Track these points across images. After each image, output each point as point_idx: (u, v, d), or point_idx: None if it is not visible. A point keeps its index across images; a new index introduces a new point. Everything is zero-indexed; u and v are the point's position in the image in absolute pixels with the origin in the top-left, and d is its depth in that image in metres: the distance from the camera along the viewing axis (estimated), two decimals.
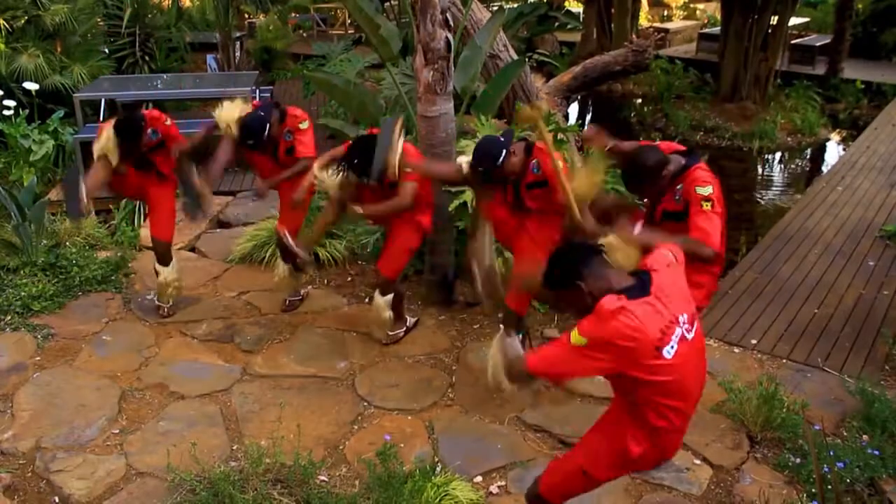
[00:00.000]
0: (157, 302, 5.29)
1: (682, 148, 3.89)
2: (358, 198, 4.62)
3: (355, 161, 4.46)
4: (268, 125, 4.77)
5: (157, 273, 5.20)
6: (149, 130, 4.88)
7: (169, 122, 4.98)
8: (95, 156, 4.83)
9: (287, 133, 4.94)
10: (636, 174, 3.70)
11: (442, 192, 5.13)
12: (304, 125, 4.95)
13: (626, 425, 2.71)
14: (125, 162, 4.92)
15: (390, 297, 4.77)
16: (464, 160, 4.26)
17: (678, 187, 3.69)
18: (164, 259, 5.18)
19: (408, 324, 5.04)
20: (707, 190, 3.58)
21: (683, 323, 2.55)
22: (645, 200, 4.05)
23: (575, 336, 2.47)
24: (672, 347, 2.48)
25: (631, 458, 2.72)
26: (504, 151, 4.00)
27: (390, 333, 4.95)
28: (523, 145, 4.14)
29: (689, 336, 2.57)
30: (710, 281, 3.78)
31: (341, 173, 4.55)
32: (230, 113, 4.85)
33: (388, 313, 4.77)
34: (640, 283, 2.53)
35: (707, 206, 3.55)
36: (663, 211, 3.73)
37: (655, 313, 2.47)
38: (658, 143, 3.98)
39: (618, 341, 2.42)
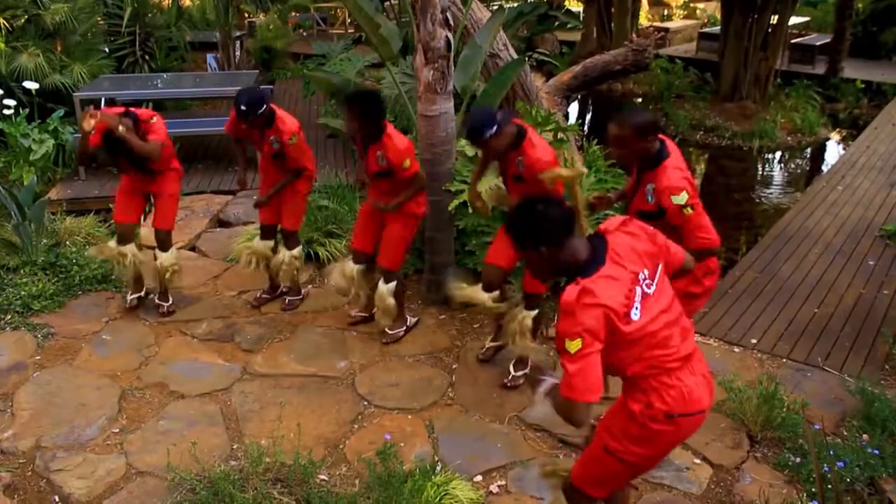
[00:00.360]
0: (157, 301, 5.29)
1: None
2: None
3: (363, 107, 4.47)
4: (265, 105, 4.75)
5: (155, 258, 5.21)
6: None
7: (154, 119, 4.89)
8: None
9: (274, 141, 4.91)
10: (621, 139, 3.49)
11: (442, 191, 5.14)
12: (293, 140, 4.90)
13: (626, 393, 2.71)
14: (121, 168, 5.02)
15: (393, 284, 4.78)
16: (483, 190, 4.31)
17: (648, 187, 3.54)
18: (165, 246, 5.21)
19: (408, 323, 5.05)
20: (683, 198, 3.43)
21: (644, 279, 2.57)
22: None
23: (569, 345, 2.46)
24: (636, 309, 2.52)
25: (636, 418, 2.64)
26: (494, 127, 3.99)
27: (390, 332, 4.95)
28: (514, 131, 4.08)
29: (650, 290, 2.58)
30: (710, 281, 3.74)
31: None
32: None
33: (391, 300, 4.77)
34: (596, 254, 2.56)
35: (689, 210, 3.44)
36: (637, 211, 3.58)
37: (614, 282, 2.50)
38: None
39: (596, 318, 2.44)
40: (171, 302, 5.29)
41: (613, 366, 2.63)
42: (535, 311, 4.36)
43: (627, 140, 3.49)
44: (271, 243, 5.28)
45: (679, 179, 3.46)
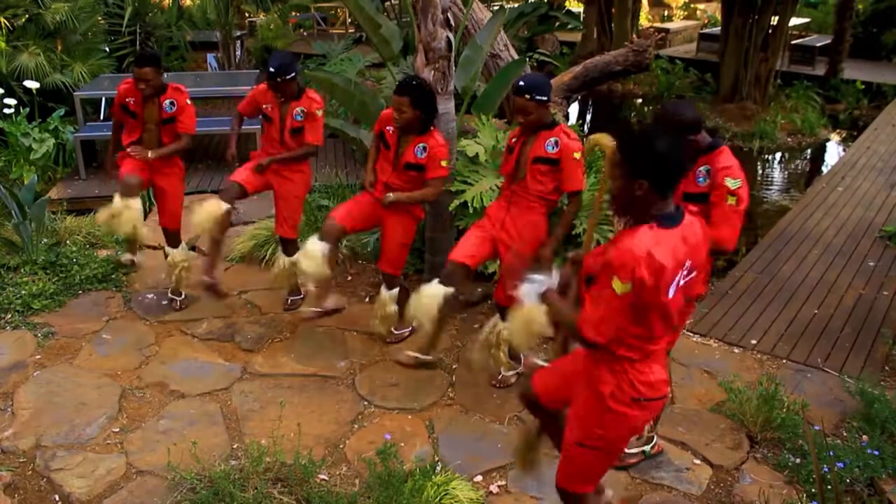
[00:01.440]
0: (170, 294, 5.34)
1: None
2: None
3: (420, 97, 4.36)
4: (294, 72, 4.76)
5: (166, 255, 5.30)
6: (166, 101, 4.96)
7: (189, 101, 5.04)
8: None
9: (300, 112, 4.85)
10: (670, 125, 3.34)
11: (442, 191, 5.13)
12: (320, 112, 4.89)
13: (592, 372, 2.70)
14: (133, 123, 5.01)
15: (396, 291, 4.77)
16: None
17: (702, 168, 3.44)
18: (174, 243, 5.29)
19: (413, 324, 5.02)
20: (737, 183, 3.37)
21: (684, 271, 2.56)
22: None
23: (616, 283, 2.42)
24: (672, 288, 2.51)
25: (604, 400, 2.65)
26: (546, 95, 3.97)
27: (395, 332, 4.95)
28: (548, 111, 4.05)
29: (681, 282, 2.57)
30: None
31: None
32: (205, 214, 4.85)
33: (393, 307, 4.76)
34: (674, 215, 2.52)
35: (732, 200, 3.36)
36: (683, 193, 3.44)
37: (675, 247, 2.48)
38: None
39: (654, 277, 2.41)
40: (183, 297, 5.34)
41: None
42: None
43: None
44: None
45: (739, 168, 3.44)
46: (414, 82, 4.39)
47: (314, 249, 4.50)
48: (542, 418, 3.19)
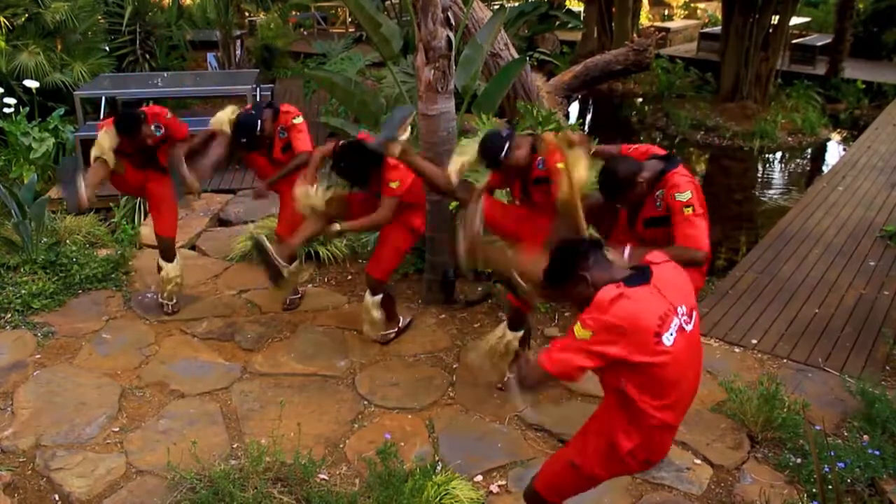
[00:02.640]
0: (160, 299, 5.29)
1: (662, 152, 3.82)
2: (346, 210, 4.62)
3: (344, 165, 4.44)
4: (259, 123, 4.81)
5: (159, 268, 5.21)
6: (152, 126, 4.90)
7: (170, 115, 4.99)
8: (92, 157, 4.84)
9: (282, 130, 4.96)
10: (609, 184, 3.66)
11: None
12: (298, 120, 4.94)
13: (618, 420, 2.71)
14: (124, 160, 4.94)
15: (379, 297, 4.76)
16: (453, 170, 4.21)
17: (658, 193, 3.65)
18: (168, 255, 5.20)
19: (400, 324, 5.01)
20: (686, 196, 3.54)
21: (682, 314, 2.58)
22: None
23: (578, 330, 2.49)
24: (671, 335, 2.52)
25: (620, 454, 2.71)
26: (507, 145, 3.99)
27: (382, 333, 4.95)
28: (529, 140, 4.12)
29: (688, 328, 2.60)
30: (699, 279, 3.77)
31: (329, 188, 4.55)
32: (223, 115, 4.90)
33: (377, 313, 4.76)
34: (641, 274, 2.58)
35: (689, 211, 3.53)
36: (644, 218, 3.70)
37: (654, 299, 2.52)
38: (637, 146, 3.91)
39: (620, 324, 2.45)
40: (174, 301, 5.29)
41: (629, 388, 2.62)
42: (521, 333, 4.33)
43: (619, 199, 3.76)
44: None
45: (686, 182, 3.58)
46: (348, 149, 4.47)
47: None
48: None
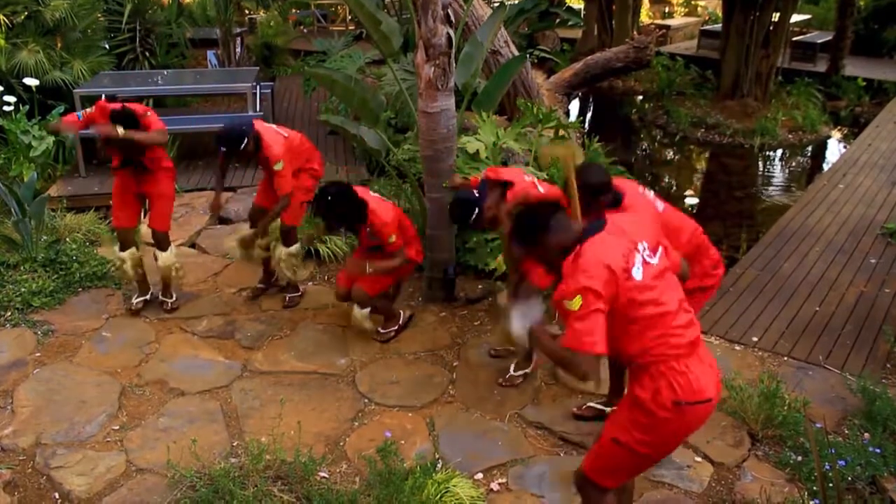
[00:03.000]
0: (160, 297, 5.29)
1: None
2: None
3: (326, 211, 4.55)
4: (245, 140, 4.85)
5: (156, 258, 5.22)
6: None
7: (150, 113, 4.91)
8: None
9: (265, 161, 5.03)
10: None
11: (443, 188, 5.13)
12: (279, 167, 4.94)
13: (633, 381, 2.73)
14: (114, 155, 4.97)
15: (367, 310, 4.82)
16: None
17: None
18: (163, 246, 5.22)
19: (400, 321, 5.03)
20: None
21: (644, 250, 2.66)
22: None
23: (569, 304, 2.54)
24: (638, 269, 2.60)
25: (644, 405, 2.64)
26: (476, 209, 4.14)
27: (382, 331, 4.95)
28: (498, 193, 4.20)
29: (652, 261, 2.66)
30: (721, 272, 3.85)
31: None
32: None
33: (368, 324, 4.84)
34: (591, 227, 2.67)
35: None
36: None
37: (611, 240, 2.61)
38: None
39: (595, 275, 2.52)
40: (174, 298, 5.30)
41: (622, 345, 2.65)
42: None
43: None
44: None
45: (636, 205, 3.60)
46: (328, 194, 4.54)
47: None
48: None
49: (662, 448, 2.79)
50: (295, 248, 5.26)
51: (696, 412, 2.66)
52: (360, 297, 4.77)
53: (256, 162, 5.12)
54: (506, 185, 4.20)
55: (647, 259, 2.64)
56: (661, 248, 2.74)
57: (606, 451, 2.80)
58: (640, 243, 2.65)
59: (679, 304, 2.69)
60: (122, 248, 5.16)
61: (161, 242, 5.21)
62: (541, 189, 4.16)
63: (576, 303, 2.51)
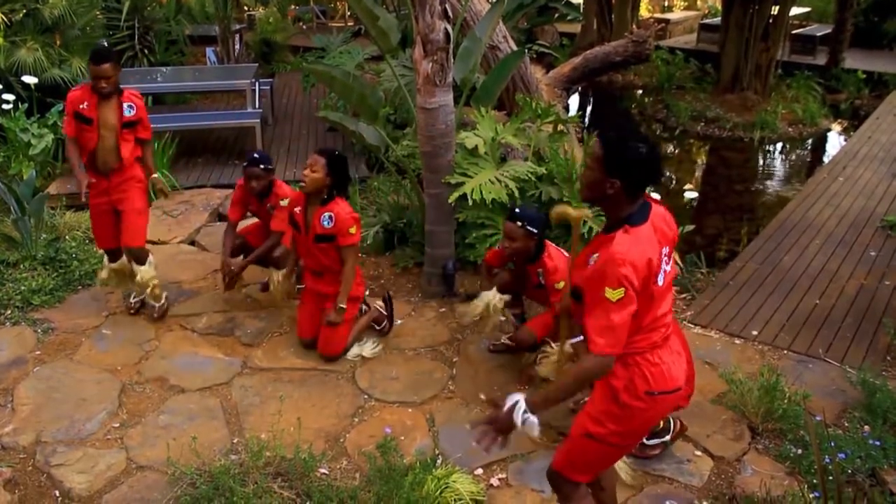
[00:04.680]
0: (150, 302, 5.13)
1: None
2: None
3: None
4: (267, 169, 5.07)
5: (133, 273, 5.06)
6: (125, 104, 4.77)
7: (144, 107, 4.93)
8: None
9: (270, 207, 5.18)
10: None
11: (442, 184, 5.13)
12: (285, 202, 5.05)
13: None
14: (85, 134, 4.79)
15: (361, 347, 4.78)
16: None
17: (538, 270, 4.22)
18: (141, 260, 5.03)
19: (383, 310, 4.97)
20: (560, 285, 4.10)
21: (664, 255, 2.62)
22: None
23: (610, 293, 2.45)
24: (661, 275, 2.59)
25: (618, 396, 2.65)
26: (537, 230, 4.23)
27: (378, 328, 4.95)
28: (534, 243, 4.29)
29: (667, 267, 2.64)
30: None
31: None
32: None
33: (358, 357, 4.73)
34: (643, 210, 2.59)
35: (560, 285, 4.00)
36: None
37: (652, 241, 2.55)
38: None
39: (641, 268, 2.47)
40: (163, 301, 5.16)
41: None
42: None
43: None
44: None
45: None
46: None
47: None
48: None
49: (633, 438, 2.82)
50: (289, 268, 5.22)
51: (666, 401, 2.72)
52: (330, 359, 4.69)
53: (267, 199, 5.17)
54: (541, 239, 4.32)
55: (664, 265, 2.62)
56: (672, 255, 2.74)
57: (578, 447, 2.81)
58: (663, 247, 2.62)
59: (670, 305, 2.72)
60: (139, 262, 5.05)
61: (138, 257, 5.03)
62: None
63: (617, 294, 2.45)
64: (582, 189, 2.69)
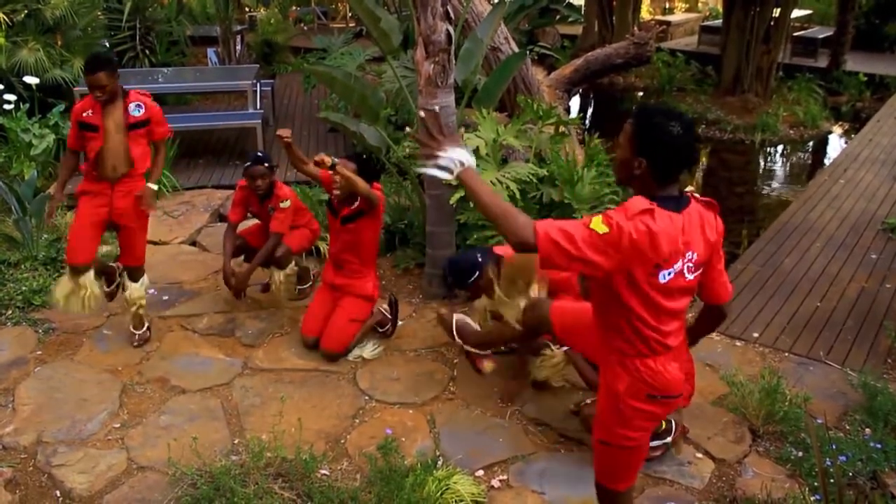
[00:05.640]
0: (130, 329, 4.89)
1: None
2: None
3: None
4: (270, 166, 5.10)
5: (123, 288, 4.88)
6: (131, 105, 4.57)
7: (158, 106, 4.73)
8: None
9: (271, 209, 5.16)
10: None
11: (443, 185, 5.12)
12: (285, 204, 5.11)
13: (607, 372, 2.68)
14: (90, 140, 4.57)
15: (362, 349, 4.79)
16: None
17: None
18: (135, 277, 4.86)
19: (387, 313, 4.98)
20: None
21: (688, 260, 2.48)
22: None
23: (597, 222, 2.33)
24: (669, 274, 2.44)
25: (621, 399, 2.61)
26: (477, 273, 4.25)
27: (381, 330, 4.95)
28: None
29: (689, 277, 2.51)
30: None
31: None
32: None
33: (359, 359, 4.74)
34: (677, 200, 2.47)
35: None
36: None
37: (674, 230, 2.41)
38: None
39: (634, 237, 2.33)
40: (145, 328, 4.90)
41: (610, 326, 2.59)
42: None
43: None
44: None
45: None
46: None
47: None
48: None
49: (641, 438, 2.75)
50: (290, 268, 5.22)
51: (667, 404, 2.69)
52: (330, 356, 4.69)
53: (268, 201, 5.16)
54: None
55: (686, 271, 2.49)
56: (702, 268, 2.59)
57: (598, 454, 2.81)
58: (690, 252, 2.48)
59: (682, 317, 2.65)
60: (133, 278, 4.83)
61: (134, 273, 4.84)
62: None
63: (601, 228, 2.31)
64: (613, 169, 2.58)
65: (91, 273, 4.74)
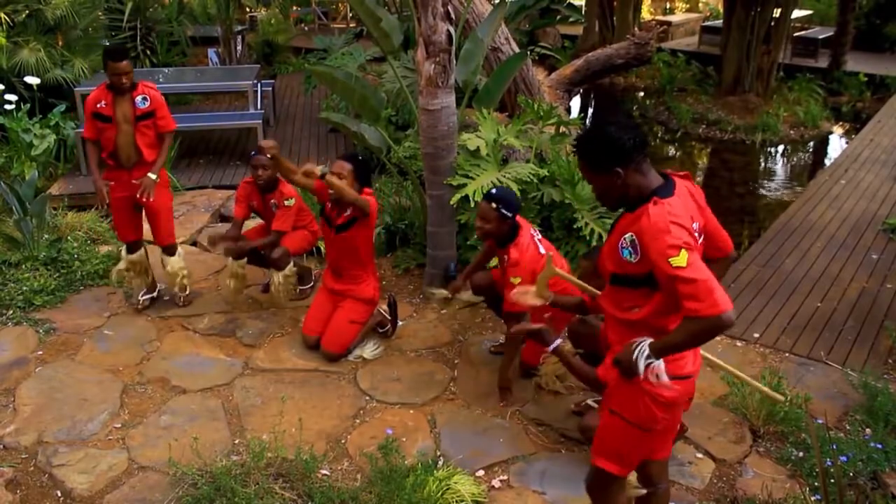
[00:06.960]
0: (175, 290, 5.33)
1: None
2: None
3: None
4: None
5: (164, 264, 5.25)
6: (138, 97, 4.83)
7: (162, 98, 4.96)
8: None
9: (273, 205, 5.18)
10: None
11: (444, 185, 5.13)
12: (289, 202, 5.14)
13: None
14: (108, 132, 4.84)
15: (366, 348, 4.79)
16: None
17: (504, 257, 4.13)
18: (171, 251, 5.25)
19: (386, 314, 4.99)
20: (517, 279, 3.99)
21: (697, 230, 2.55)
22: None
23: (675, 261, 2.34)
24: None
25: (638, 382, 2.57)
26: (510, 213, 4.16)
27: (381, 331, 4.96)
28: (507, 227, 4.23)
29: (699, 244, 2.58)
30: None
31: None
32: None
33: (359, 359, 4.74)
34: (667, 185, 2.54)
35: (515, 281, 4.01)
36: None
37: (687, 209, 2.50)
38: None
39: (689, 233, 2.42)
40: (188, 292, 5.36)
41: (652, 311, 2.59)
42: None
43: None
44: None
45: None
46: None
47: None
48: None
49: (650, 423, 2.68)
50: (289, 269, 5.22)
51: (681, 385, 2.64)
52: (332, 358, 4.71)
53: (270, 195, 5.18)
54: (515, 226, 4.18)
55: (698, 241, 2.56)
56: (703, 234, 2.66)
57: (606, 426, 2.76)
58: (694, 222, 2.54)
59: None
60: (169, 253, 5.25)
61: (169, 249, 5.25)
62: (542, 248, 4.14)
63: (682, 259, 2.33)
64: (603, 201, 2.66)
65: (142, 251, 5.26)
